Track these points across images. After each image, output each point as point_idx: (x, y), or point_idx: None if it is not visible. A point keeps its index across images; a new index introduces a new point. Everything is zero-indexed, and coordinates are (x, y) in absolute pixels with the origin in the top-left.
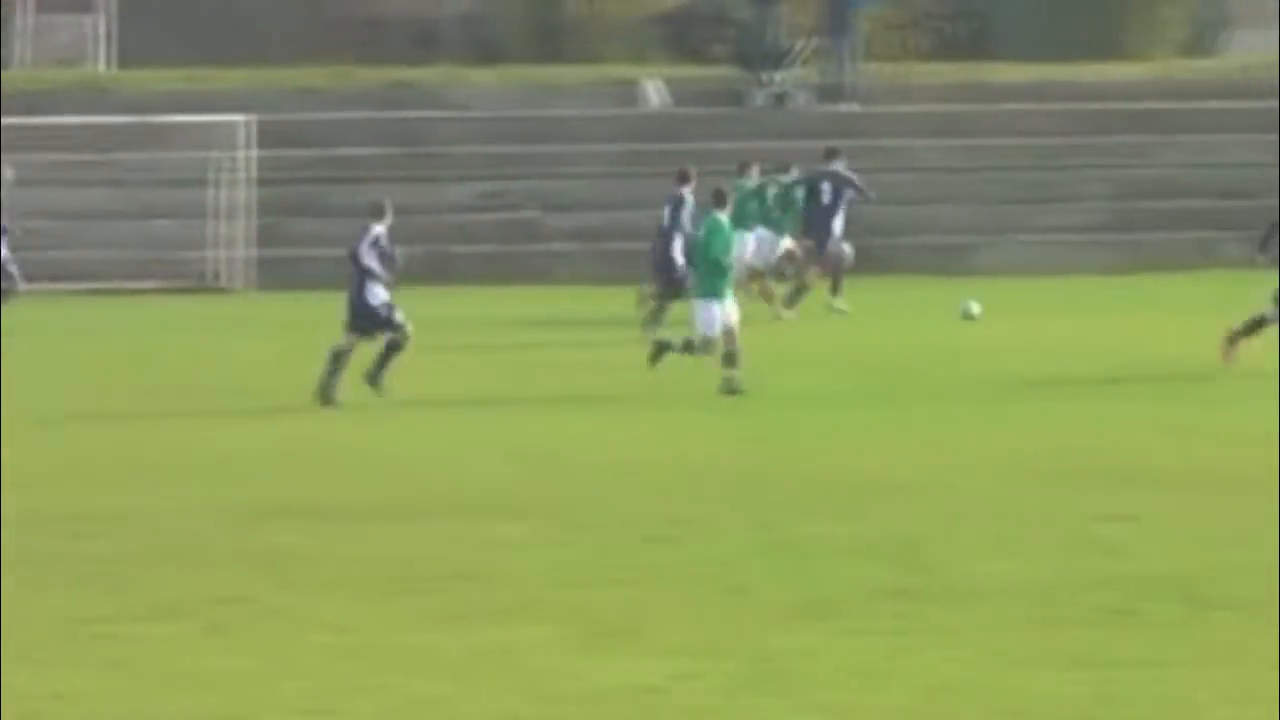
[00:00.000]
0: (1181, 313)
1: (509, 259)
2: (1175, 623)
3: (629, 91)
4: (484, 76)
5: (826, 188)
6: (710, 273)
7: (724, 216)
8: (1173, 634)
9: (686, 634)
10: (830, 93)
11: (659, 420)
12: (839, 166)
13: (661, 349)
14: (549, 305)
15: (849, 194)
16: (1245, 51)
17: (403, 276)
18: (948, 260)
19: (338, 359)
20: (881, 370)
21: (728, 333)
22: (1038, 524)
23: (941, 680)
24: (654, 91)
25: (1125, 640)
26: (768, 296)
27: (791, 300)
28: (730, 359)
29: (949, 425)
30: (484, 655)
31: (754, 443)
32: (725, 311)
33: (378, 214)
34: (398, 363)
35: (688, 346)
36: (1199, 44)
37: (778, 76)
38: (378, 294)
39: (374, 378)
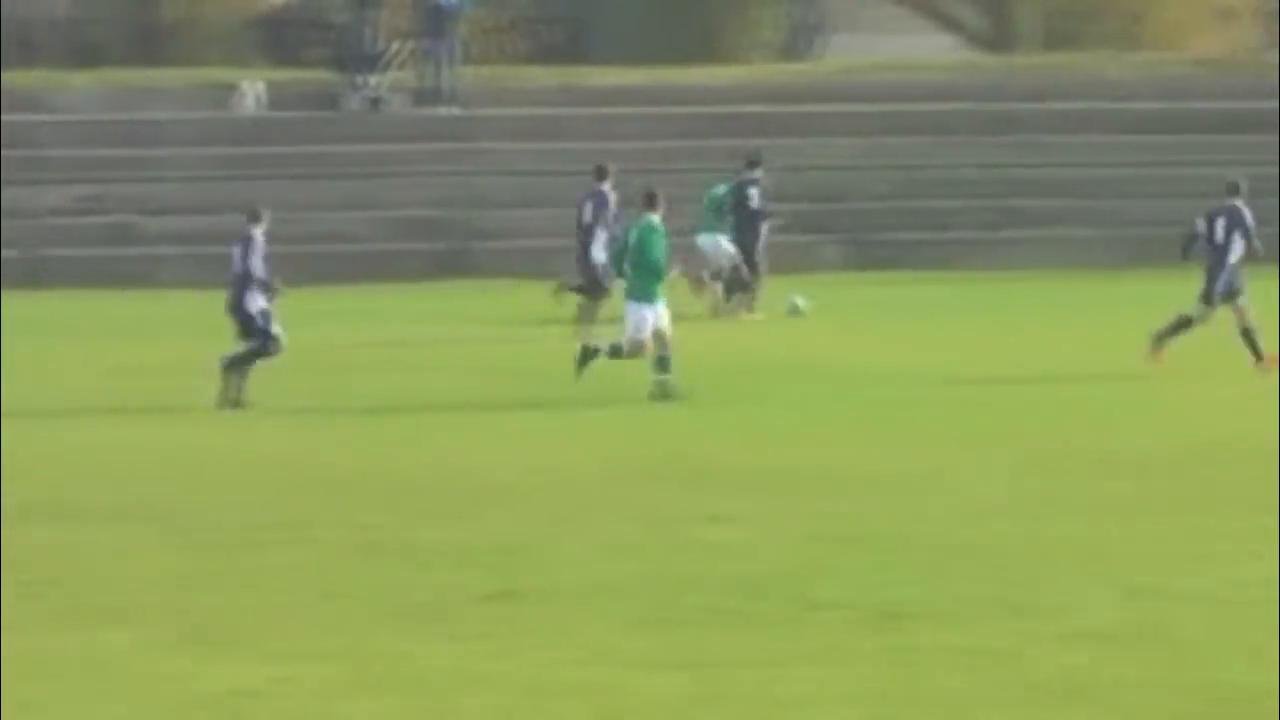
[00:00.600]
0: (780, 316)
1: (108, 262)
2: (781, 622)
3: (226, 95)
4: (82, 80)
5: (754, 193)
6: (644, 276)
7: (657, 218)
8: (778, 633)
9: (285, 638)
10: (428, 96)
11: (295, 424)
12: (759, 174)
13: (589, 354)
14: (150, 308)
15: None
16: (844, 54)
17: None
18: (545, 263)
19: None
20: (499, 374)
21: (659, 337)
22: (643, 526)
23: (543, 681)
24: (251, 95)
25: (731, 640)
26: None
27: (740, 302)
28: (662, 364)
29: (560, 429)
30: (81, 660)
31: (392, 446)
32: (658, 315)
33: (255, 219)
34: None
35: (615, 351)
36: (794, 48)
37: (373, 80)
38: (257, 302)
39: (230, 364)
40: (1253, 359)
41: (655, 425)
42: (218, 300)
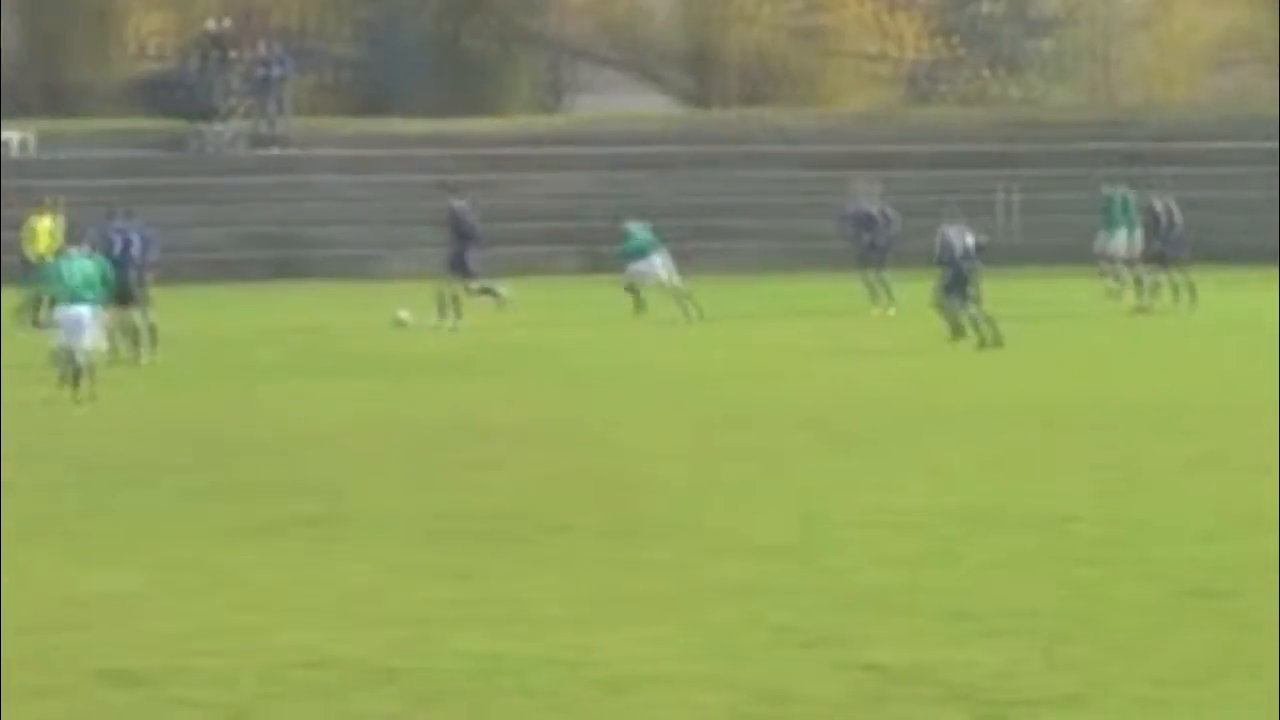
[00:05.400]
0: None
1: None
2: (526, 541)
3: (115, 140)
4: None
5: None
6: None
7: None
8: (523, 550)
9: (156, 555)
10: (263, 139)
11: (159, 389)
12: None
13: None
14: None
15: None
16: (585, 109)
17: None
18: (359, 268)
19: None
20: (318, 353)
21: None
22: (423, 470)
23: (351, 586)
24: (17, 141)
25: (488, 554)
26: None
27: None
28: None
29: (366, 395)
30: (5, 570)
31: (232, 407)
32: None
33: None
34: None
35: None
36: (546, 104)
37: (219, 126)
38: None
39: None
40: None
41: (435, 392)
42: None
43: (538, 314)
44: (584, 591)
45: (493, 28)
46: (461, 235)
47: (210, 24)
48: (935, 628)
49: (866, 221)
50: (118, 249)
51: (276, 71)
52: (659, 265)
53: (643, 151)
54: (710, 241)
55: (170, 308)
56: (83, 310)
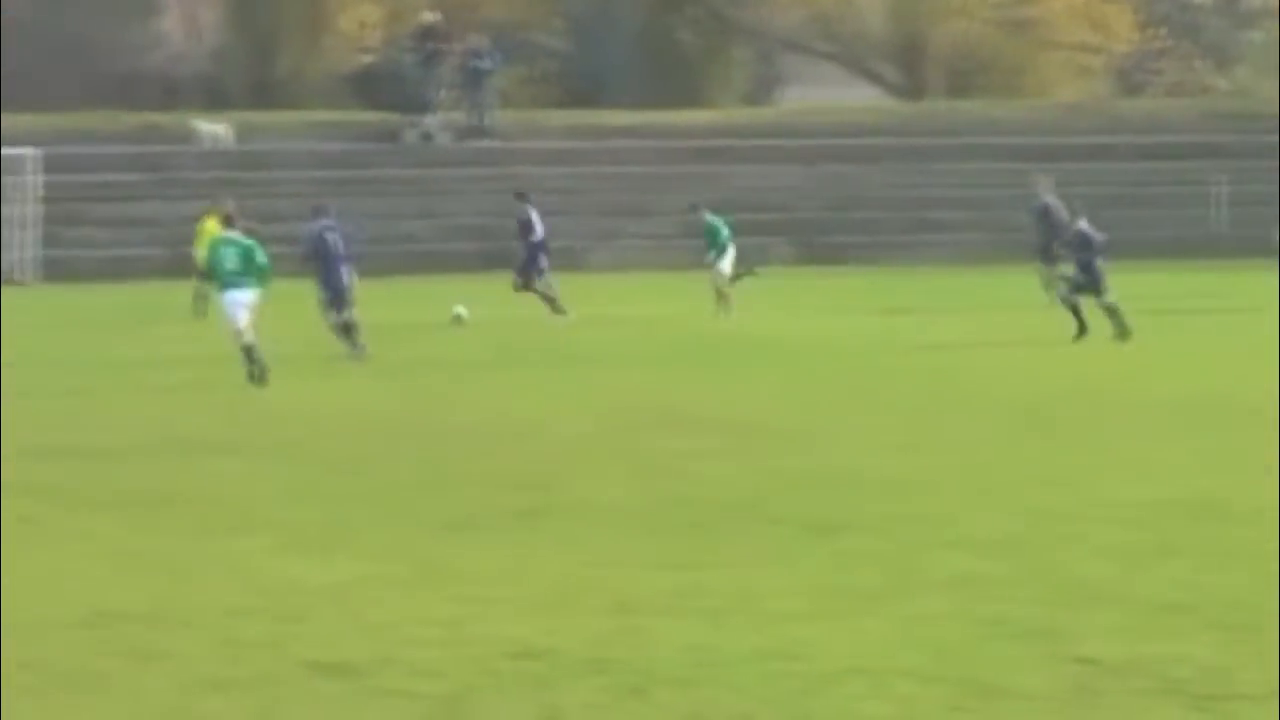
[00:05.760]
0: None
1: None
2: (745, 533)
3: (328, 132)
4: (214, 119)
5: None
6: None
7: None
8: (743, 541)
9: (368, 544)
10: (472, 132)
11: (367, 382)
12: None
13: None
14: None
15: None
16: (794, 101)
17: None
18: (563, 259)
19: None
20: (523, 344)
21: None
22: (634, 459)
23: (566, 577)
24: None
25: (708, 546)
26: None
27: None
28: None
29: (574, 384)
30: (216, 560)
31: (439, 399)
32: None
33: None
34: None
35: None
36: (756, 96)
37: (428, 119)
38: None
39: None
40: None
41: (641, 384)
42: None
43: (749, 305)
44: (795, 584)
45: (703, 20)
46: (533, 238)
47: (423, 17)
48: (1150, 621)
49: (1045, 215)
50: (330, 248)
51: (486, 64)
52: (729, 262)
53: (852, 144)
54: (920, 234)
55: (378, 299)
56: (239, 294)
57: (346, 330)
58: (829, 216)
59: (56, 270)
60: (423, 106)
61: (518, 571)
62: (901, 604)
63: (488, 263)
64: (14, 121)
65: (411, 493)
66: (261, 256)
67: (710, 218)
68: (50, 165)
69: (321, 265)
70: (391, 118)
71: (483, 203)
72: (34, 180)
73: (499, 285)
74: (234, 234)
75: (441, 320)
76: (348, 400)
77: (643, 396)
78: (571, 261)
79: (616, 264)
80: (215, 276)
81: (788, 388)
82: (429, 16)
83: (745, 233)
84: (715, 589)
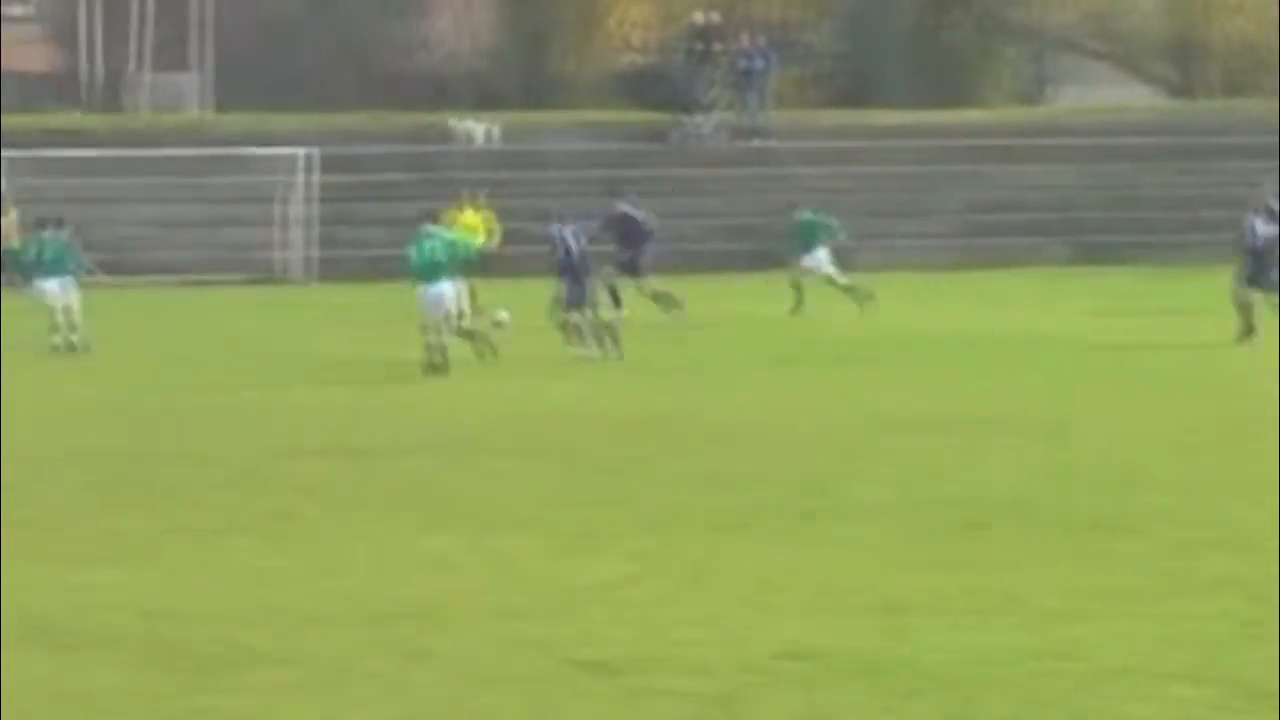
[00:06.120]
0: (1006, 300)
1: (498, 260)
2: (1012, 534)
3: (599, 132)
4: (484, 119)
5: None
6: None
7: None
8: (1011, 540)
9: (636, 544)
10: (743, 132)
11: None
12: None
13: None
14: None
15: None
16: (1068, 100)
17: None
18: (836, 260)
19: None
20: (800, 341)
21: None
22: (903, 459)
23: (839, 577)
24: (480, 132)
25: (976, 547)
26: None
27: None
28: None
29: (842, 384)
30: (487, 560)
31: (701, 398)
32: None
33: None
34: None
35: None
36: (1028, 95)
37: (698, 119)
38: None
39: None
40: None
41: (908, 384)
42: None
43: (1020, 306)
44: (1064, 583)
45: (974, 19)
46: (628, 237)
47: (697, 17)
48: None
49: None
50: (573, 250)
51: (759, 64)
52: (824, 260)
53: (1127, 143)
54: (1194, 234)
55: (642, 298)
56: (441, 287)
57: (600, 330)
58: (1103, 216)
59: (331, 270)
60: (693, 106)
61: (789, 571)
62: (1165, 604)
63: (755, 262)
64: (286, 121)
65: (678, 493)
66: (466, 250)
67: (809, 216)
68: (326, 165)
69: (573, 265)
70: (662, 118)
71: (752, 203)
72: (309, 180)
73: (767, 284)
74: (436, 228)
75: (706, 320)
76: (613, 400)
77: (903, 395)
78: (841, 261)
79: (886, 264)
80: (416, 270)
81: (1052, 386)
82: (702, 17)
83: (1017, 232)
84: (987, 589)
